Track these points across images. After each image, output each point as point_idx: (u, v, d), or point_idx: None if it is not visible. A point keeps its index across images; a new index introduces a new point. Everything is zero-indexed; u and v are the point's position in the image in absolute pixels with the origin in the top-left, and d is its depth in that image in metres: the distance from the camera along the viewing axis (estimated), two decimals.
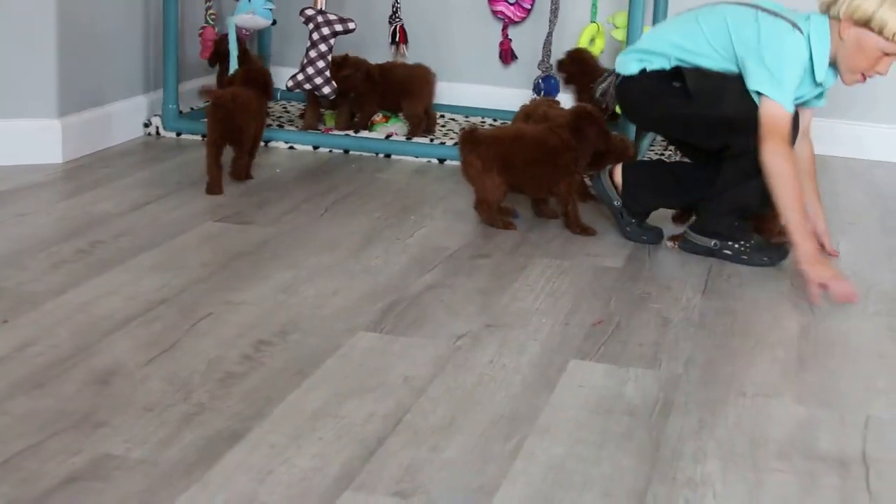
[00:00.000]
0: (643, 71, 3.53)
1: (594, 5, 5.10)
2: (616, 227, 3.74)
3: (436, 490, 2.12)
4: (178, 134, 4.74)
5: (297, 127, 4.79)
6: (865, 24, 3.27)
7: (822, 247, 3.60)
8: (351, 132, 4.70)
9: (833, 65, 3.38)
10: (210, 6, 4.81)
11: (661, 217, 3.82)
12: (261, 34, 5.33)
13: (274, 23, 4.79)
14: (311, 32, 4.51)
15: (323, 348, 2.73)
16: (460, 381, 2.60)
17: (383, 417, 2.40)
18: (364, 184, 4.21)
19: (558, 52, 5.02)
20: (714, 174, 3.49)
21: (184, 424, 2.32)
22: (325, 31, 4.50)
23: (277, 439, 2.28)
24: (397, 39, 5.28)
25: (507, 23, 5.29)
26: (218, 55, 4.83)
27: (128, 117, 4.64)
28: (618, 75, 3.62)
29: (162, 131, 4.73)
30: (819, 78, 3.36)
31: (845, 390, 2.68)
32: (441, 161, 4.56)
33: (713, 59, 3.43)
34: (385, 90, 4.70)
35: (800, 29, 3.33)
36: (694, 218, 3.64)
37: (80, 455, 2.17)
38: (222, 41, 4.78)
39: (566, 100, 4.70)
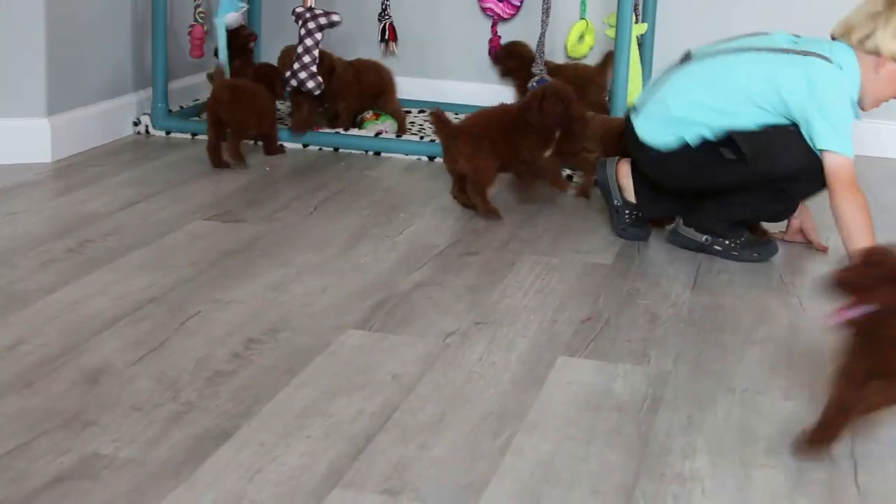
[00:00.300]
0: (685, 145, 3.43)
1: (583, 2, 5.10)
2: (609, 222, 3.73)
3: (424, 487, 2.13)
4: (168, 132, 4.73)
5: (287, 125, 4.78)
6: None
7: (810, 242, 3.61)
8: (340, 130, 4.69)
9: None
10: (199, 4, 4.80)
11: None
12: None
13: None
14: (299, 29, 4.51)
15: (312, 346, 2.73)
16: (449, 378, 2.60)
17: (372, 415, 2.40)
18: (353, 182, 4.21)
19: (552, 54, 5.02)
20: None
21: (172, 423, 2.32)
22: (311, 25, 4.50)
23: (266, 438, 2.28)
24: (387, 37, 5.27)
25: (497, 20, 5.29)
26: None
27: (117, 116, 4.63)
28: (642, 143, 3.50)
29: (151, 130, 4.73)
30: (857, 113, 3.36)
31: None
32: (431, 159, 4.56)
33: (759, 117, 3.34)
34: (361, 89, 4.70)
35: (830, 60, 3.29)
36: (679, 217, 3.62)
37: (68, 454, 2.17)
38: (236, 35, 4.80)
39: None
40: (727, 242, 3.49)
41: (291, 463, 2.19)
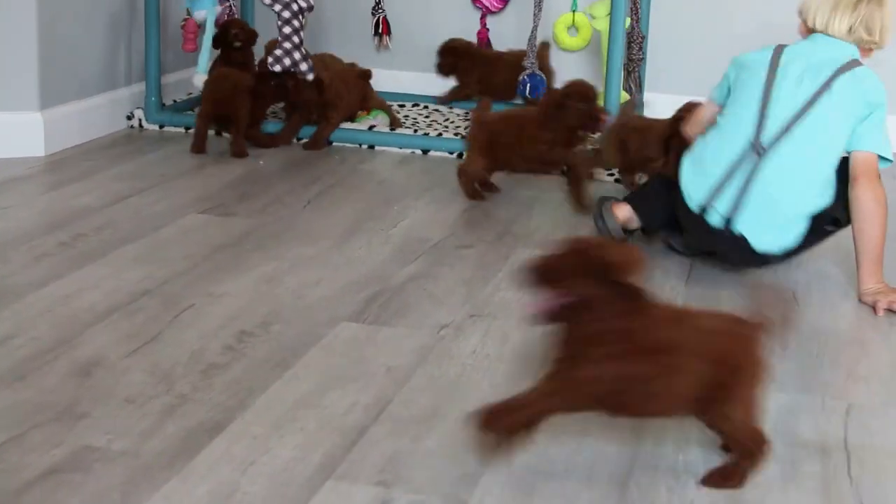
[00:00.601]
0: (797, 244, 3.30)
1: None
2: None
3: (418, 479, 2.12)
4: (161, 126, 4.73)
5: (280, 119, 4.77)
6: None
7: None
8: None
9: None
10: None
11: None
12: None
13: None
14: (279, 12, 4.49)
15: (305, 339, 2.73)
16: (443, 370, 2.60)
17: (365, 407, 2.40)
18: (347, 175, 4.21)
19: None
20: None
21: (166, 416, 2.32)
22: (287, 14, 4.48)
23: (259, 430, 2.27)
24: (380, 31, 5.27)
25: (486, 12, 5.28)
26: (220, 39, 4.84)
27: (110, 110, 4.62)
28: (757, 252, 3.28)
29: (145, 124, 4.72)
30: None
31: (827, 378, 2.69)
32: (425, 152, 4.56)
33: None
34: (350, 98, 4.70)
35: (860, 62, 3.25)
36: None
37: (61, 447, 2.17)
38: (230, 23, 4.80)
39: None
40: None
41: (285, 455, 2.19)
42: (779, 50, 3.28)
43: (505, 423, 2.08)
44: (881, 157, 3.20)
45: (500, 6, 5.27)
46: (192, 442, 2.22)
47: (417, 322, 2.86)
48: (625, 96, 4.59)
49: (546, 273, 2.05)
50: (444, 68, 5.14)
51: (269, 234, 3.49)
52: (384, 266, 3.26)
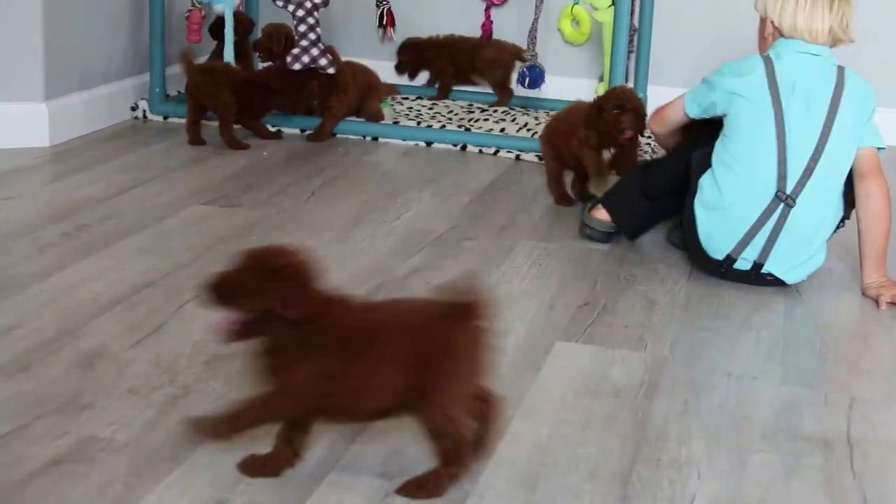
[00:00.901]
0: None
1: None
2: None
3: (420, 471, 2.12)
4: (165, 117, 4.72)
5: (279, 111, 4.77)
6: None
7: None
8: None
9: None
10: None
11: None
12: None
13: None
14: (293, 11, 4.49)
15: None
16: None
17: None
18: (351, 167, 4.20)
19: (545, 40, 5.01)
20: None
21: (169, 407, 2.32)
22: (308, 4, 4.48)
23: None
24: (384, 22, 5.26)
25: (490, 4, 5.27)
26: (217, 29, 4.83)
27: (115, 101, 4.62)
28: (774, 278, 3.20)
29: (149, 115, 4.72)
30: None
31: (829, 371, 2.69)
32: (428, 144, 4.56)
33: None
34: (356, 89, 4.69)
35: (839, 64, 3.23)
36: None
37: (64, 438, 2.17)
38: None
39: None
40: None
41: None
42: (770, 71, 3.13)
43: (222, 432, 2.04)
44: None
45: None
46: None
47: None
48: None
49: (221, 291, 1.97)
50: (404, 66, 5.16)
51: (273, 225, 3.49)
52: (387, 258, 3.26)
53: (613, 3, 4.28)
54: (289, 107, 4.60)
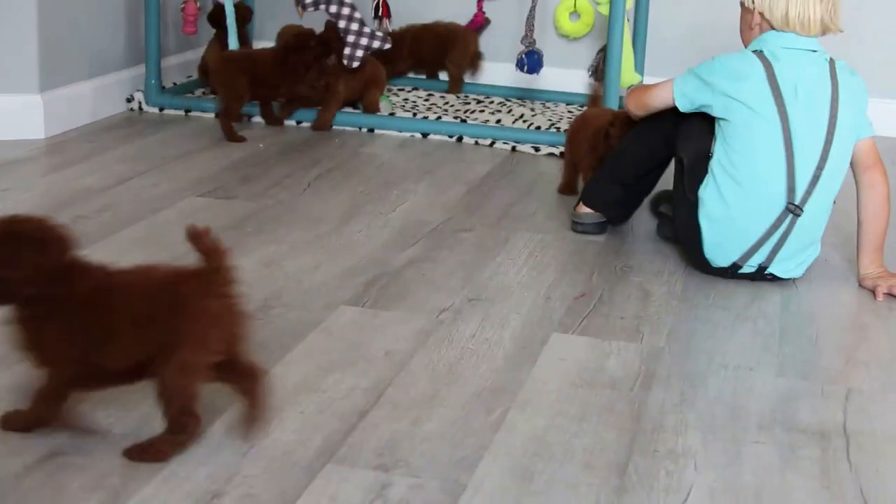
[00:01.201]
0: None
1: None
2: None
3: (417, 463, 2.13)
4: (161, 109, 4.72)
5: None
6: None
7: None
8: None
9: None
10: None
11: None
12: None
13: None
14: (327, 12, 4.50)
15: (305, 322, 2.73)
16: (442, 354, 2.60)
17: (364, 391, 2.40)
18: (347, 158, 4.20)
19: (542, 28, 5.01)
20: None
21: None
22: (333, 9, 4.50)
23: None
24: (380, 13, 5.25)
25: None
26: (215, 17, 4.83)
27: (110, 92, 4.62)
28: (773, 276, 3.18)
29: (144, 106, 4.71)
30: None
31: (825, 362, 2.70)
32: (424, 135, 4.55)
33: None
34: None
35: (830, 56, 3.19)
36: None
37: (61, 430, 2.17)
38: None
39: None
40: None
41: (285, 439, 2.19)
42: (770, 74, 3.04)
43: (25, 421, 2.12)
44: None
45: None
46: None
47: (416, 306, 2.87)
48: (637, 78, 4.58)
49: None
50: None
51: (269, 217, 3.49)
52: (383, 250, 3.26)
53: None
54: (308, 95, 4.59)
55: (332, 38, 4.50)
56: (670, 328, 2.82)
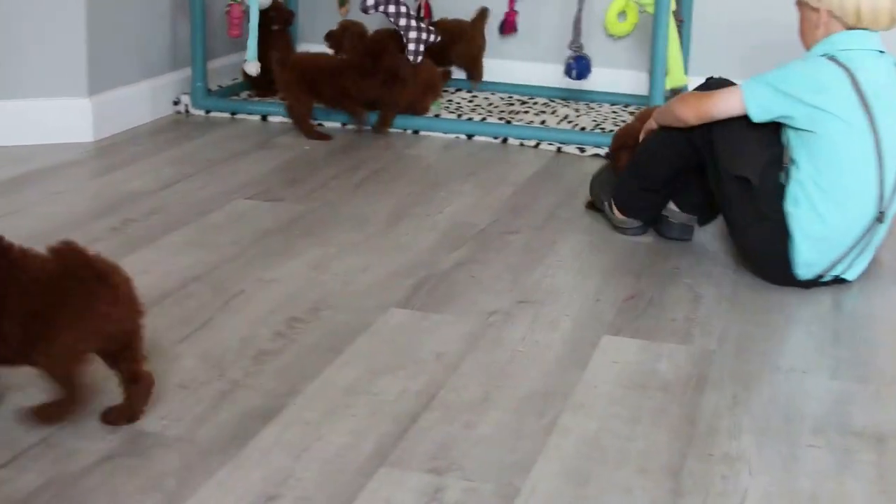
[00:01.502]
0: None
1: None
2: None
3: (470, 466, 2.13)
4: (207, 112, 4.74)
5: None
6: None
7: None
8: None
9: None
10: None
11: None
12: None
13: None
14: (385, 9, 4.52)
15: (354, 325, 2.73)
16: (493, 357, 2.60)
17: (416, 394, 2.40)
18: (393, 160, 4.21)
19: (589, 31, 4.99)
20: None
21: (219, 402, 2.33)
22: (392, 9, 4.53)
23: (311, 416, 2.28)
24: (422, 14, 5.25)
25: None
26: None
27: (157, 95, 4.64)
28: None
29: (191, 109, 4.74)
30: None
31: (881, 365, 2.67)
32: (470, 137, 4.55)
33: None
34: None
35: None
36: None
37: (116, 433, 2.19)
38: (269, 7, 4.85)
39: None
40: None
41: (337, 441, 2.19)
42: (855, 83, 2.95)
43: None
44: None
45: None
46: (245, 428, 2.23)
47: (465, 308, 2.86)
48: (684, 80, 4.55)
49: None
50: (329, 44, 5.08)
51: (317, 219, 3.49)
52: (431, 252, 3.26)
53: None
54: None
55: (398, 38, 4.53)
56: (721, 330, 2.80)
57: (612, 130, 4.32)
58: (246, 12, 4.87)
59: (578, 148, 4.38)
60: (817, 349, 2.72)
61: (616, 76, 5.16)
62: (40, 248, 2.96)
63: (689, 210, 3.40)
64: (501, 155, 4.34)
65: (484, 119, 4.66)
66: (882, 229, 3.08)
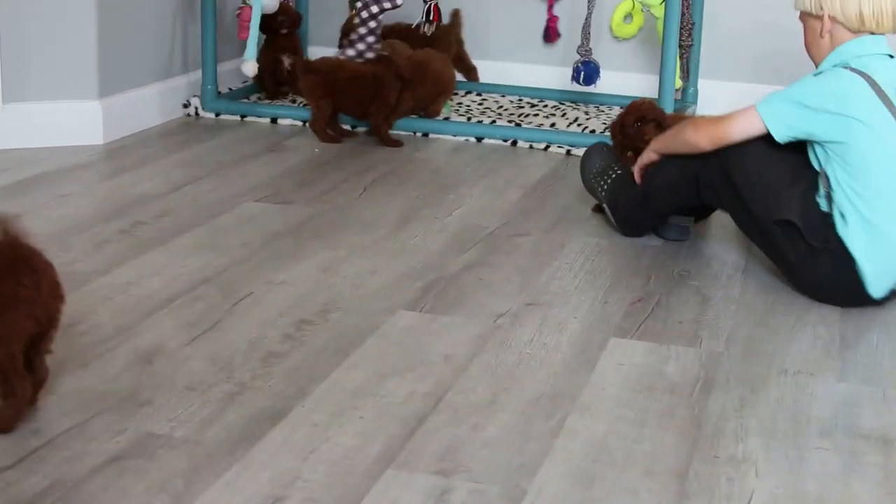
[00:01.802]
0: None
1: None
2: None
3: (477, 468, 2.13)
4: (217, 114, 4.75)
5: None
6: None
7: None
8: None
9: None
10: None
11: None
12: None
13: None
14: (360, 11, 4.54)
15: (363, 327, 2.74)
16: (501, 359, 2.60)
17: (424, 396, 2.40)
18: (402, 163, 4.21)
19: (598, 35, 4.99)
20: None
21: (226, 403, 2.34)
22: (374, 9, 4.53)
23: (319, 418, 2.29)
24: (431, 17, 5.24)
25: (552, 1, 5.24)
26: (265, 23, 4.90)
27: (167, 98, 4.66)
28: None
29: (201, 112, 4.75)
30: None
31: (888, 367, 2.67)
32: (479, 139, 4.55)
33: None
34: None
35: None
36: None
37: (123, 434, 2.20)
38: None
39: None
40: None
41: (345, 443, 2.20)
42: (870, 80, 2.91)
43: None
44: None
45: None
46: (252, 430, 2.23)
47: (474, 311, 2.87)
48: (678, 82, 4.56)
49: None
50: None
51: (326, 222, 3.50)
52: (440, 254, 3.26)
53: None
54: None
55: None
56: (729, 333, 2.80)
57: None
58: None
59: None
60: (825, 352, 2.72)
61: (625, 79, 5.16)
62: (51, 252, 2.98)
63: (686, 212, 3.41)
64: (511, 158, 4.34)
65: (493, 122, 4.67)
66: None
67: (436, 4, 5.24)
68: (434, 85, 4.60)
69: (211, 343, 2.62)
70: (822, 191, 2.98)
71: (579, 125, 4.68)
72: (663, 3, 4.37)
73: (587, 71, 4.81)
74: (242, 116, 4.73)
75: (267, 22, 4.83)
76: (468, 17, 5.30)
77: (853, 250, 2.92)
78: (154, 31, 4.56)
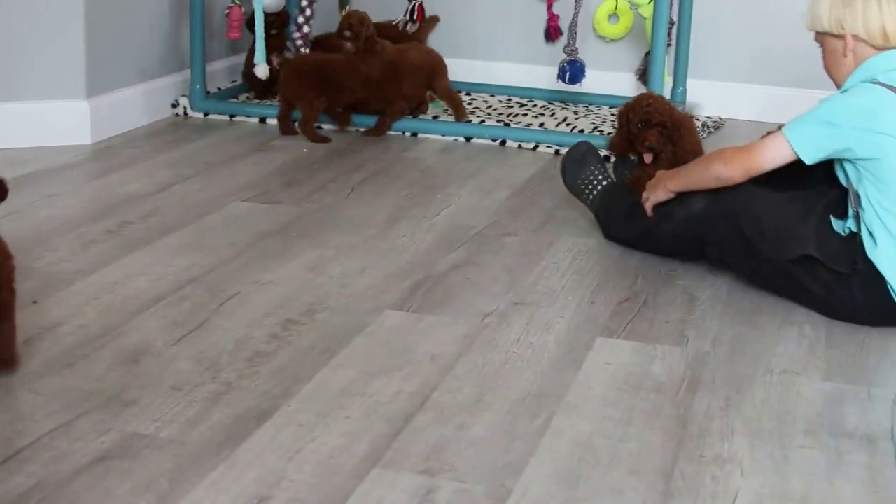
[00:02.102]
0: None
1: None
2: None
3: (463, 468, 2.13)
4: (206, 114, 4.75)
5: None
6: None
7: None
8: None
9: None
10: None
11: None
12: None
13: None
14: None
15: (350, 327, 2.74)
16: (487, 359, 2.60)
17: (410, 395, 2.41)
18: (391, 162, 4.21)
19: (586, 35, 4.99)
20: None
21: (212, 403, 2.34)
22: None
23: (305, 418, 2.29)
24: (415, 17, 5.24)
25: (552, 1, 5.24)
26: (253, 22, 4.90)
27: (155, 98, 4.65)
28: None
29: (189, 112, 4.74)
30: None
31: (873, 367, 2.68)
32: (468, 139, 4.56)
33: None
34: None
35: None
36: None
37: (109, 434, 2.19)
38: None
39: None
40: None
41: (331, 443, 2.20)
42: None
43: None
44: None
45: None
46: (238, 430, 2.23)
47: (461, 310, 2.87)
48: (667, 79, 4.56)
49: None
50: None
51: (314, 221, 3.50)
52: (428, 254, 3.26)
53: None
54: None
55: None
56: (715, 332, 2.81)
57: (610, 133, 4.32)
58: (246, 14, 4.89)
59: None
60: (810, 351, 2.73)
61: (614, 78, 5.16)
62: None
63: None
64: (500, 157, 4.34)
65: (482, 121, 4.67)
66: None
67: (420, 4, 5.24)
68: (424, 68, 4.59)
69: (197, 343, 2.62)
70: (850, 210, 2.91)
71: (568, 125, 4.69)
72: (651, 3, 4.38)
73: (573, 70, 4.81)
74: (231, 116, 4.73)
75: (253, 21, 4.82)
76: (455, 15, 5.30)
77: (883, 269, 2.84)
78: (142, 31, 4.56)
